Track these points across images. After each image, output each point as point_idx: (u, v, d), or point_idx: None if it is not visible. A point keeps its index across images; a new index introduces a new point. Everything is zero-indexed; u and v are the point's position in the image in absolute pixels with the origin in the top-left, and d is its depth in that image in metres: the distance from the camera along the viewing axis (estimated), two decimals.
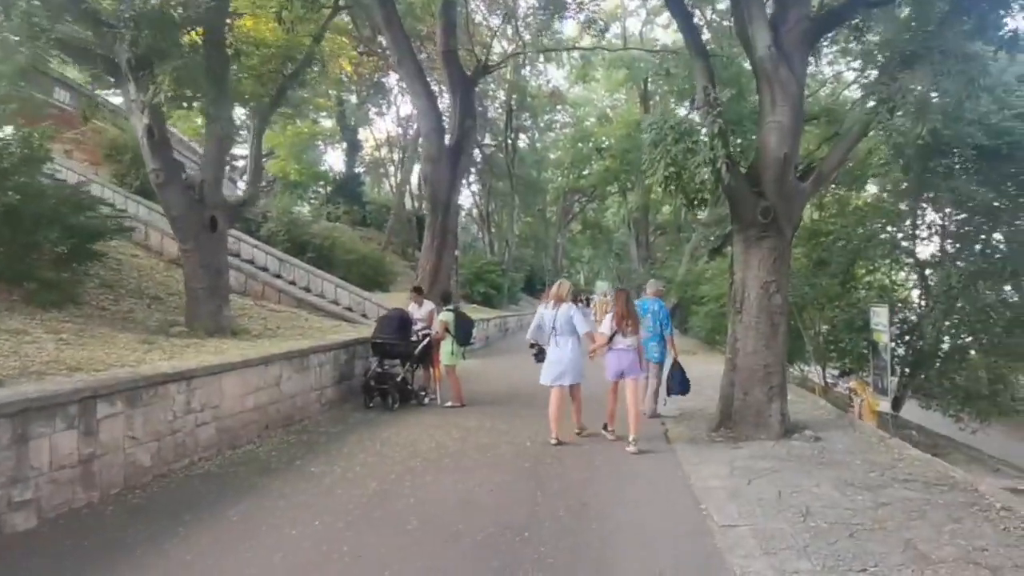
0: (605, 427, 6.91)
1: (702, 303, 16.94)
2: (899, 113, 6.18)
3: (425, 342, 8.66)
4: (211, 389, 5.82)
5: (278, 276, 14.97)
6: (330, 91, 32.57)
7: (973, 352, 12.04)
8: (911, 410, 13.21)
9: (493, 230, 36.83)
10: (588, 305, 26.80)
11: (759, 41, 6.61)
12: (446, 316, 8.51)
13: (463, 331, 8.58)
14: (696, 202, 6.49)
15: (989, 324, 11.77)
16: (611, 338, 6.49)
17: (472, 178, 37.06)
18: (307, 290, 15.00)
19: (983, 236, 12.54)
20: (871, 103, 6.71)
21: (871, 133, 7.32)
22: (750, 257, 6.82)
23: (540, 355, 7.05)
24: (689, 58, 8.01)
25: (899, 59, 6.46)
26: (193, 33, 8.30)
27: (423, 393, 8.77)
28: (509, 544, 3.89)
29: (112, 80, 8.25)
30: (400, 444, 6.40)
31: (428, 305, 9.32)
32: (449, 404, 8.47)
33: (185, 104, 8.63)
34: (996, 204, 12.40)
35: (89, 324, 7.53)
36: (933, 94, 6.34)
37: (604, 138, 34.23)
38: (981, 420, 11.73)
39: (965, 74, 6.31)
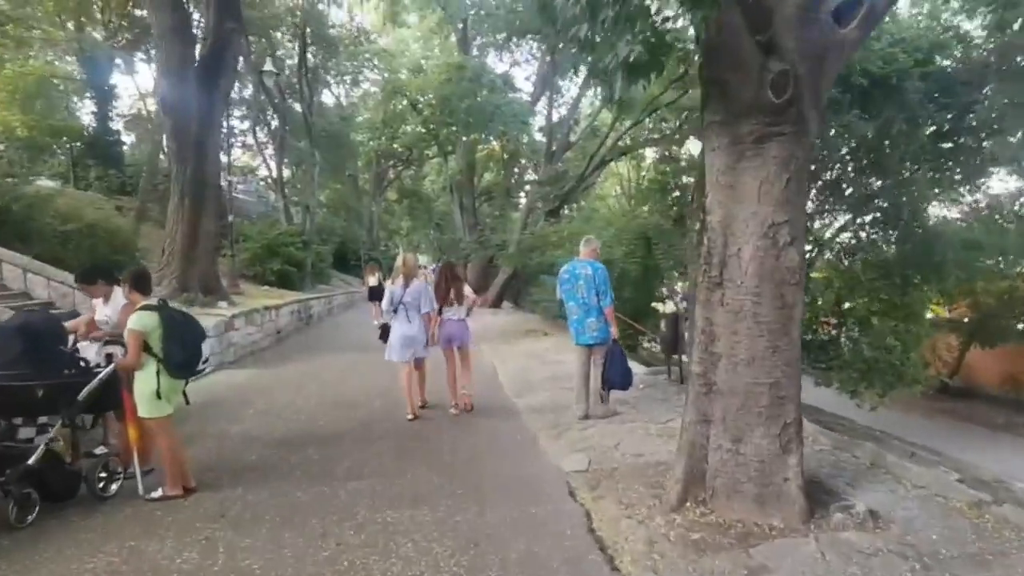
0: (453, 407, 6.62)
1: (552, 272, 13.93)
2: None
3: (103, 375, 4.32)
4: None
5: None
6: (67, 22, 25.07)
7: (874, 318, 10.27)
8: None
9: (295, 198, 31.19)
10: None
11: None
12: (142, 321, 4.22)
13: (182, 348, 4.36)
14: (658, 66, 2.99)
15: (887, 284, 10.07)
16: (440, 310, 6.54)
17: (263, 135, 30.93)
18: None
19: (871, 183, 10.84)
20: None
21: None
22: (742, 177, 3.53)
23: (385, 333, 6.69)
24: None
25: None
26: None
27: (105, 475, 4.42)
28: None
29: None
30: None
31: (119, 298, 4.94)
32: (158, 494, 4.24)
33: None
34: (886, 147, 10.74)
35: None
36: None
37: (420, 95, 30.01)
38: (882, 395, 10.06)
39: None
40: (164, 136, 16.07)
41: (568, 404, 6.48)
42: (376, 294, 15.38)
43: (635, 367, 9.21)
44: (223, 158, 16.24)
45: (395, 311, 6.39)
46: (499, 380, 8.16)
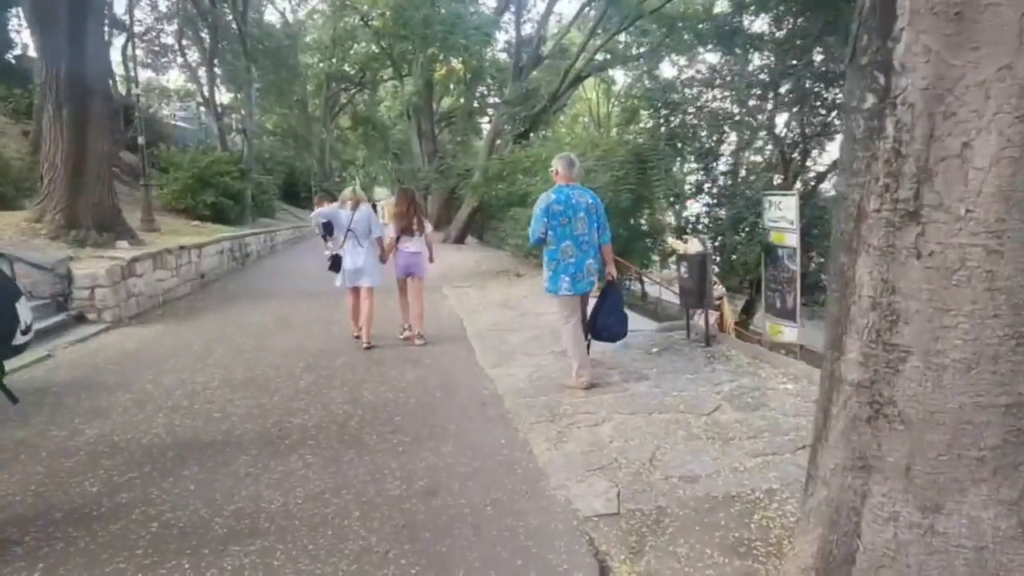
0: (406, 329, 6.54)
1: (524, 203, 12.03)
2: None
3: None
4: None
5: None
6: None
7: None
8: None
9: (234, 122, 28.11)
10: (375, 210, 21.61)
11: None
12: None
13: None
14: None
15: None
16: (398, 240, 6.28)
17: (197, 56, 27.38)
18: None
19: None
20: None
21: None
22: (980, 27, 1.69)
23: (336, 263, 6.44)
24: None
25: None
26: None
27: None
28: None
29: None
30: None
31: None
32: None
33: None
34: None
35: None
36: None
37: (372, 7, 26.62)
38: None
39: None
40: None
41: (561, 377, 4.86)
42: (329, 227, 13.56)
43: (643, 322, 7.58)
44: (136, 72, 13.68)
45: (344, 238, 6.28)
46: (469, 343, 6.39)
